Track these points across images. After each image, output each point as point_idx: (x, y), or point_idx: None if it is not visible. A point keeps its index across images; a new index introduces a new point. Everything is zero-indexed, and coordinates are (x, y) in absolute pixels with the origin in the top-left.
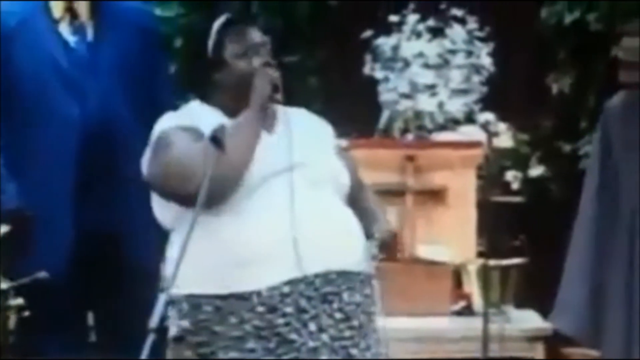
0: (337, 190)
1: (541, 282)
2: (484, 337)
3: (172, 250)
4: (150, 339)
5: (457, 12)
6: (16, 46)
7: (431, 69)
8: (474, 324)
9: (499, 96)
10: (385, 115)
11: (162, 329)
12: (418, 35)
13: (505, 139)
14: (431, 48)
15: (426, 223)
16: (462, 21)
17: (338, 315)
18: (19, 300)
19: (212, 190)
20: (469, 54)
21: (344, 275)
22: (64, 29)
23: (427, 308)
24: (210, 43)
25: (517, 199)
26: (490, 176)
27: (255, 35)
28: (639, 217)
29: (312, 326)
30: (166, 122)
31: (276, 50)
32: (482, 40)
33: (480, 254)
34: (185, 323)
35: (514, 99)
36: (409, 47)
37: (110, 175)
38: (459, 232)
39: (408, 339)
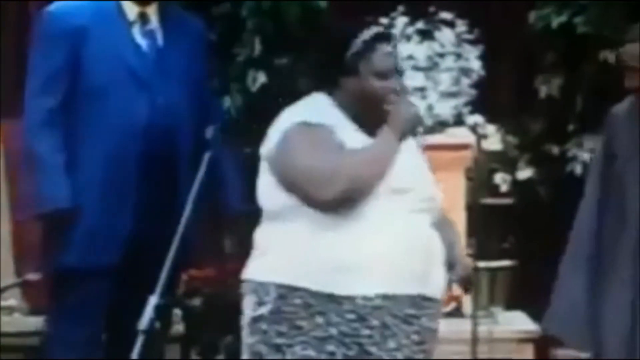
0: (433, 217)
1: (530, 284)
2: (473, 339)
3: (268, 239)
4: (140, 340)
5: (446, 15)
6: (88, 41)
7: (420, 72)
8: (463, 326)
9: (488, 99)
10: None
11: (151, 331)
12: (407, 38)
13: (494, 142)
14: (420, 51)
15: None
16: (451, 24)
17: (415, 337)
18: (11, 302)
19: (344, 198)
20: (458, 57)
21: (429, 300)
22: (137, 33)
23: None
24: (353, 50)
25: (505, 201)
26: (478, 178)
27: (394, 56)
28: None
29: (392, 343)
30: (298, 116)
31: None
32: (471, 43)
33: (469, 256)
34: (264, 310)
35: (502, 101)
36: (399, 50)
37: (169, 176)
38: None
39: None
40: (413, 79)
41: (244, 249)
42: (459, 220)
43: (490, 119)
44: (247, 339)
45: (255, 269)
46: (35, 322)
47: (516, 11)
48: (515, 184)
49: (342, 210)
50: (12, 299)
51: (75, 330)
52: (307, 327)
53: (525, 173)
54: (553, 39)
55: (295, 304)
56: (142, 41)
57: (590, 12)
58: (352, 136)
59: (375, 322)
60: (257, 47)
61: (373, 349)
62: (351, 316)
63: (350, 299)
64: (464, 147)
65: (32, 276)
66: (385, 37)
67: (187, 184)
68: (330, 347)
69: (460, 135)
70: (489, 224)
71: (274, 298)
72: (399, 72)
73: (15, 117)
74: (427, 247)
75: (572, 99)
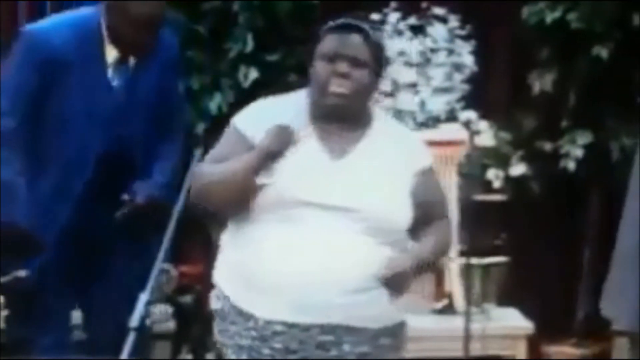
0: (384, 238)
1: (523, 280)
2: (466, 336)
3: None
4: (131, 337)
5: (439, 10)
6: (65, 75)
7: (413, 68)
8: (456, 323)
9: (481, 95)
10: None
11: (142, 328)
12: (399, 33)
13: (486, 138)
14: (413, 46)
15: None
16: (443, 20)
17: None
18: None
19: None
20: (451, 52)
21: (344, 329)
22: (112, 72)
23: (408, 306)
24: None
25: (498, 197)
26: (471, 175)
27: (348, 43)
28: None
29: None
30: (236, 116)
31: (257, 48)
32: (464, 38)
33: (462, 253)
34: (218, 304)
35: (495, 97)
36: (391, 46)
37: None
38: None
39: None
40: (405, 75)
41: None
42: (452, 216)
43: (483, 115)
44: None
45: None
46: None
47: (509, 7)
48: (508, 180)
49: (261, 221)
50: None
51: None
52: (231, 331)
53: (518, 169)
54: (546, 34)
55: (227, 306)
56: (114, 79)
57: (583, 8)
58: None
59: (277, 345)
60: (249, 43)
61: None
62: (253, 334)
63: (254, 318)
64: (456, 143)
65: (22, 273)
66: (348, 26)
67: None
68: (243, 356)
69: (452, 131)
70: (481, 220)
71: (218, 297)
72: (352, 63)
73: None
74: (354, 272)
75: (566, 95)
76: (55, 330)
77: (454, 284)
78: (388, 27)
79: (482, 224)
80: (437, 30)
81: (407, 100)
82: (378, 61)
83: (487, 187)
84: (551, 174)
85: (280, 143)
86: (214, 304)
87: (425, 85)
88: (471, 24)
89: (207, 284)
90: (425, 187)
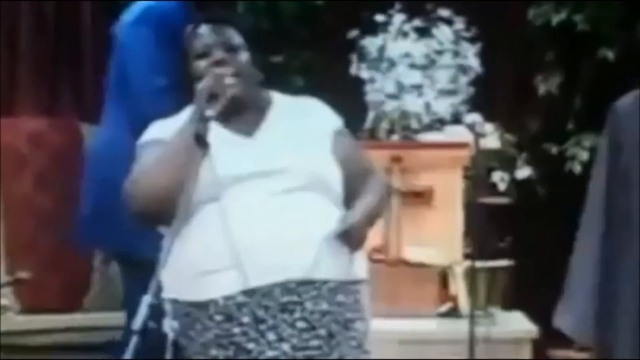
0: (323, 194)
1: (528, 283)
2: (471, 339)
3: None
4: (134, 340)
5: (444, 12)
6: None
7: (418, 70)
8: (461, 326)
9: (486, 97)
10: (371, 116)
11: (145, 331)
12: (404, 35)
13: (492, 140)
14: (418, 48)
15: (412, 224)
16: (448, 21)
17: (300, 325)
18: (5, 301)
19: (152, 214)
20: (456, 54)
21: (306, 284)
22: None
23: (413, 310)
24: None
25: (503, 200)
26: (476, 177)
27: (217, 33)
28: None
29: (271, 336)
30: (144, 135)
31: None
32: (469, 40)
33: (467, 256)
34: (175, 324)
35: (500, 100)
36: (396, 48)
37: None
38: (446, 234)
39: (393, 342)
40: (410, 77)
41: None
42: (457, 219)
43: (489, 117)
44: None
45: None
46: (27, 321)
47: (515, 8)
48: (514, 183)
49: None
50: (4, 298)
51: None
52: (194, 336)
53: (523, 172)
54: (552, 36)
55: (183, 316)
56: None
57: (589, 10)
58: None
59: (245, 319)
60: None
61: (251, 346)
62: (219, 317)
63: (214, 301)
64: (461, 145)
65: (24, 275)
66: (206, 21)
67: None
68: (213, 352)
69: (458, 133)
70: (486, 224)
71: (173, 314)
72: (227, 49)
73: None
74: (298, 228)
75: (571, 98)
76: None
77: (459, 287)
78: (393, 29)
79: (487, 227)
80: (443, 32)
81: (412, 102)
82: (248, 42)
83: (493, 189)
84: (557, 176)
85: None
86: (168, 328)
87: (431, 87)
88: (476, 26)
89: None
90: (343, 144)
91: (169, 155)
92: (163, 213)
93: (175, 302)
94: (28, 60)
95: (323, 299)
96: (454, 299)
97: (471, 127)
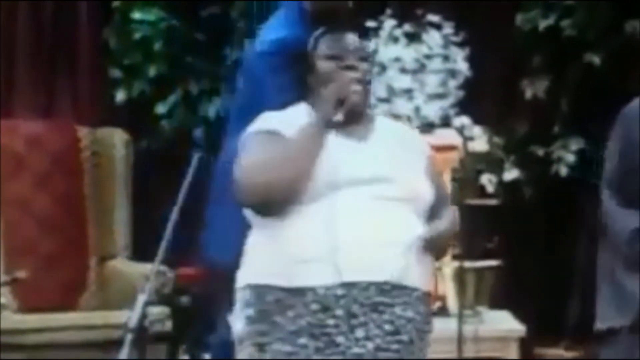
0: (417, 208)
1: (515, 283)
2: (459, 338)
3: (248, 245)
4: (128, 338)
5: (434, 17)
6: None
7: (408, 74)
8: (449, 325)
9: (475, 100)
10: None
11: (141, 329)
12: (395, 40)
13: (480, 143)
14: (408, 53)
15: None
16: (438, 26)
17: (387, 327)
18: (2, 300)
19: (268, 204)
20: (445, 58)
21: (399, 288)
22: None
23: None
24: (308, 46)
25: (491, 202)
26: (465, 179)
27: (352, 40)
28: None
29: (360, 332)
30: (255, 125)
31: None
32: (458, 45)
33: (455, 256)
34: (250, 311)
35: (489, 103)
36: (386, 52)
37: None
38: None
39: None
40: (400, 81)
41: None
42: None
43: (477, 120)
44: (239, 345)
45: (239, 276)
46: (24, 320)
47: (503, 13)
48: (501, 185)
49: (290, 208)
50: (2, 297)
51: None
52: (281, 323)
53: (511, 174)
54: (539, 41)
55: (269, 302)
56: None
57: (576, 16)
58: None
59: (339, 312)
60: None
61: (341, 339)
62: (315, 307)
63: (313, 289)
64: (450, 148)
65: (22, 274)
66: (335, 29)
67: None
68: (302, 340)
69: (447, 136)
70: (475, 225)
71: (254, 300)
72: (358, 57)
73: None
74: (396, 236)
75: (558, 101)
76: None
77: (447, 287)
78: (383, 34)
79: (475, 228)
80: (432, 37)
81: (402, 106)
82: (371, 61)
83: (481, 191)
84: (543, 178)
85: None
86: (244, 312)
87: (420, 91)
88: (465, 31)
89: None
90: (432, 170)
91: (293, 152)
92: (277, 204)
93: (261, 287)
94: (26, 63)
95: (410, 306)
96: (442, 298)
97: (460, 130)
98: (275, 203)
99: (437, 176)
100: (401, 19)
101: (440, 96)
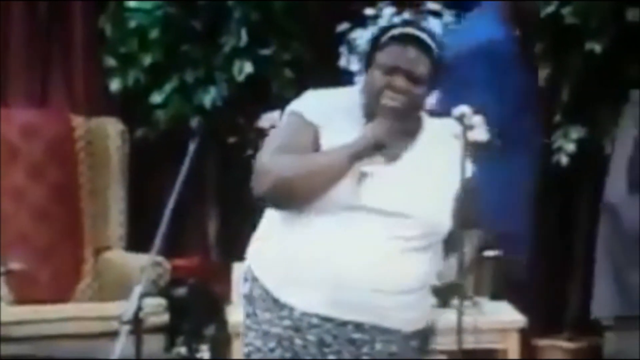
0: (431, 240)
1: (515, 273)
2: (458, 329)
3: (262, 224)
4: (124, 330)
5: (434, 5)
6: None
7: None
8: (448, 316)
9: None
10: None
11: (137, 320)
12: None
13: (480, 132)
14: None
15: None
16: (438, 14)
17: (365, 358)
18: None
19: (270, 197)
20: None
21: (380, 330)
22: None
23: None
24: (377, 44)
25: None
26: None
27: (410, 58)
28: None
29: (332, 357)
30: (295, 104)
31: (252, 42)
32: None
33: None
34: (244, 288)
35: None
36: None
37: None
38: None
39: None
40: None
41: (229, 239)
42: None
43: (477, 109)
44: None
45: (248, 250)
46: (20, 312)
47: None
48: None
49: (307, 212)
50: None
51: None
52: (260, 318)
53: None
54: (540, 29)
55: (255, 295)
56: None
57: (577, 3)
58: (341, 138)
59: (311, 337)
60: (243, 37)
61: (308, 358)
62: (287, 323)
63: (291, 309)
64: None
65: (16, 266)
66: (411, 38)
67: None
68: (271, 344)
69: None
70: None
71: (250, 280)
72: (413, 78)
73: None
74: (392, 276)
75: (559, 90)
76: None
77: None
78: (382, 22)
79: None
80: (432, 25)
81: None
82: (435, 75)
83: None
84: (544, 168)
85: (385, 133)
86: (242, 287)
87: None
88: (465, 19)
89: (200, 277)
90: (465, 196)
91: (324, 167)
92: (286, 204)
93: (255, 277)
94: (20, 52)
95: (394, 344)
96: None
97: (460, 119)
98: (285, 202)
99: (469, 201)
100: (400, 7)
101: None
